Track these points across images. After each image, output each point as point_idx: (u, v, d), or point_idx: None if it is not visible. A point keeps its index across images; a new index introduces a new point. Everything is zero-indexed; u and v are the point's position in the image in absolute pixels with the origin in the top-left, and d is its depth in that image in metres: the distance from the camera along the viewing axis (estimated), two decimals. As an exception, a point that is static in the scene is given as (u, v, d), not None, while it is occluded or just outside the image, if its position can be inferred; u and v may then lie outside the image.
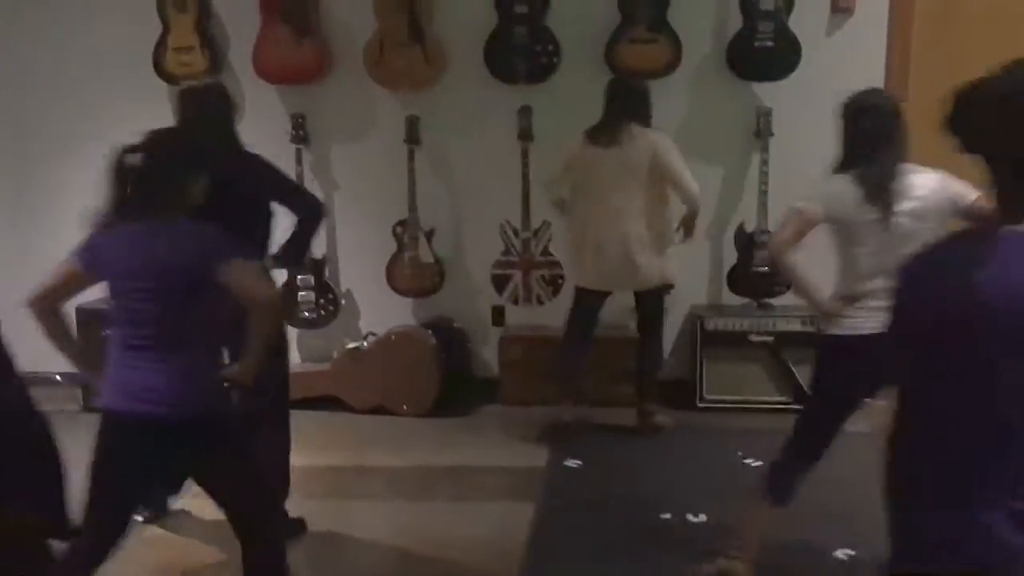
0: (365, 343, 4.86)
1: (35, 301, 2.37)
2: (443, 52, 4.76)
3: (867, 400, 2.82)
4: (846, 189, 2.83)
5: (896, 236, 2.76)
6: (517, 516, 3.59)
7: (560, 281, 4.89)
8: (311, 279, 4.95)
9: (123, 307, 2.34)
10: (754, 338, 4.74)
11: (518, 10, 4.66)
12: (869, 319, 2.72)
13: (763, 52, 4.61)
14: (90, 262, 2.37)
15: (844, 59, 4.61)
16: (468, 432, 4.56)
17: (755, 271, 4.79)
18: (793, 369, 4.72)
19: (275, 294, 2.82)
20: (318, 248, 5.00)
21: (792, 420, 3.02)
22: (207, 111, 3.28)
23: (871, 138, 2.84)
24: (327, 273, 5.02)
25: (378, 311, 5.08)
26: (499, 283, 4.94)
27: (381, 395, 4.79)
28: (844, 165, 2.90)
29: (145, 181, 2.36)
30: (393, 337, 4.80)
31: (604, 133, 4.18)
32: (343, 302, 5.07)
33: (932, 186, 2.81)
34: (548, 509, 3.67)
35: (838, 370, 2.89)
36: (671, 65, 4.65)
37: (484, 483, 3.98)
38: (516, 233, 4.87)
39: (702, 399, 4.80)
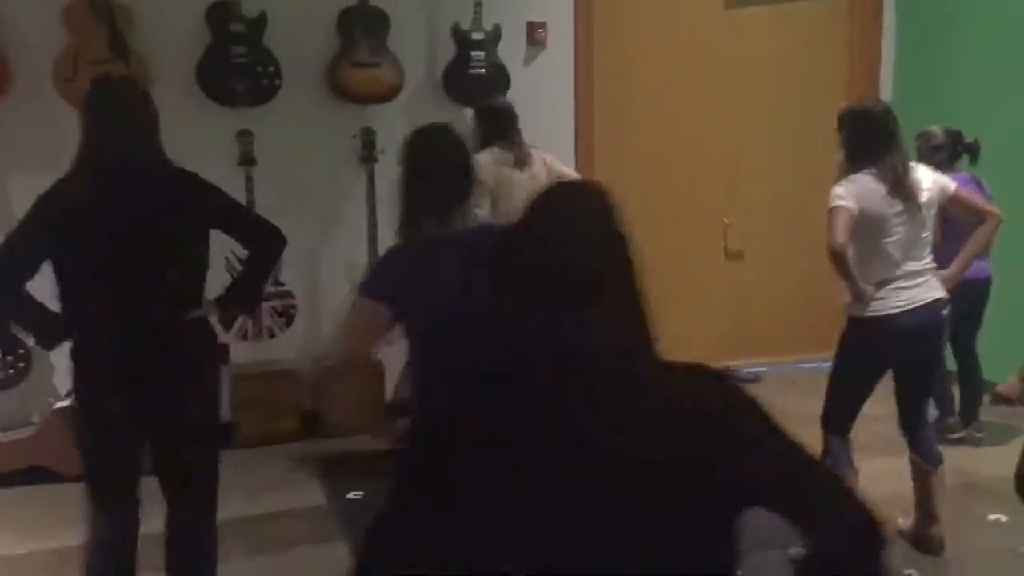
0: (69, 400, 4.22)
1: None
2: (148, 71, 4.32)
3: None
4: (873, 185, 3.14)
5: (918, 225, 3.18)
6: (328, 558, 3.43)
7: (292, 311, 4.70)
8: (-7, 335, 4.20)
9: None
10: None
11: (234, 28, 4.40)
12: (890, 300, 3.13)
13: (476, 79, 4.86)
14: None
15: (540, 85, 5.04)
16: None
17: (480, 286, 5.02)
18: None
19: None
20: None
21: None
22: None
23: (878, 140, 3.19)
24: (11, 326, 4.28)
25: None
26: (224, 319, 4.59)
27: (101, 457, 4.20)
28: (856, 166, 3.21)
29: None
30: (116, 389, 4.23)
31: (517, 155, 4.22)
32: (33, 357, 4.36)
33: (932, 177, 3.25)
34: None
35: (869, 347, 3.23)
36: (394, 89, 4.71)
37: (276, 532, 3.70)
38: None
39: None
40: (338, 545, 3.54)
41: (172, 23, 4.43)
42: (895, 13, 5.74)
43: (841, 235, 3.09)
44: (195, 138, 4.51)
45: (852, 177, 3.18)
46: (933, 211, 3.25)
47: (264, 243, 2.78)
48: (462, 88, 4.87)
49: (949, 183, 3.31)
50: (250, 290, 2.92)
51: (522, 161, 4.23)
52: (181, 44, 4.43)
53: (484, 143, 4.21)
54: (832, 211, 3.13)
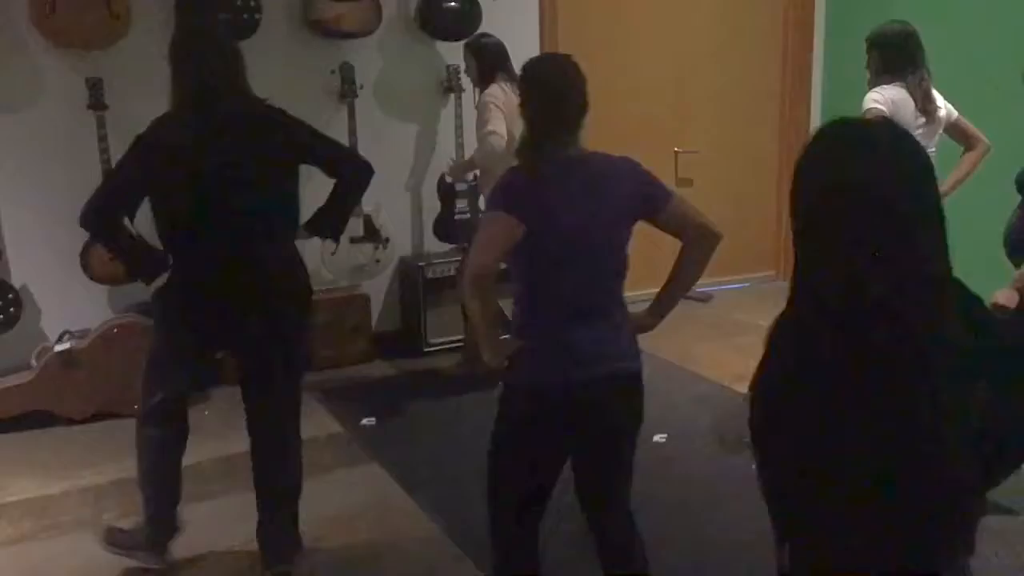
0: (73, 342, 4.19)
1: (481, 274, 2.09)
2: (128, 4, 4.22)
3: None
4: (904, 96, 3.43)
5: (930, 139, 3.49)
6: (369, 476, 3.60)
7: (279, 247, 4.73)
8: (-16, 279, 4.11)
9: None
10: (467, 280, 5.12)
11: (214, -38, 4.33)
12: None
13: (451, 13, 4.92)
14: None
15: (507, 21, 5.13)
16: (228, 418, 4.24)
17: (457, 218, 5.15)
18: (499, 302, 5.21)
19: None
20: (-10, 240, 4.19)
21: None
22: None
23: (907, 57, 3.48)
24: (4, 270, 4.20)
25: (66, 307, 4.40)
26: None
27: (103, 399, 4.19)
28: (880, 81, 3.49)
29: None
30: (116, 330, 4.22)
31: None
32: (23, 301, 4.28)
33: (942, 101, 3.56)
34: (395, 467, 3.69)
35: None
36: (373, 24, 4.73)
37: (307, 459, 3.81)
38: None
39: (427, 344, 5.07)
40: (372, 466, 3.72)
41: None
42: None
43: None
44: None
45: (884, 87, 3.47)
46: (940, 129, 3.58)
47: (353, 172, 2.88)
48: (437, 22, 4.92)
49: (953, 109, 3.63)
50: (339, 216, 2.99)
51: None
52: (158, -22, 4.34)
53: (485, 78, 4.28)
54: (868, 112, 3.37)
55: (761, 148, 6.27)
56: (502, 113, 4.05)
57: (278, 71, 4.63)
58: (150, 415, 2.83)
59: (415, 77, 5.05)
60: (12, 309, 4.19)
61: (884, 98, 3.42)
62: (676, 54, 5.80)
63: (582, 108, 2.17)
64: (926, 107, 3.47)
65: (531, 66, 2.27)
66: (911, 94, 3.45)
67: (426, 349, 5.05)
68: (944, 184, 3.65)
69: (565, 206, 2.09)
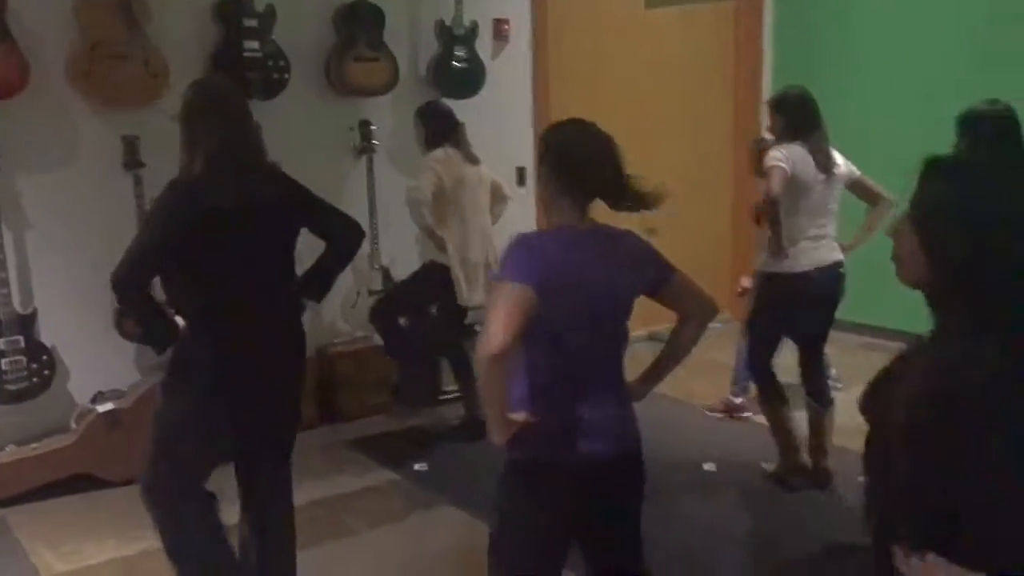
0: (116, 403, 4.11)
1: (502, 352, 1.91)
2: (166, 63, 4.25)
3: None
4: (804, 154, 3.61)
5: (830, 195, 3.71)
6: (446, 520, 3.69)
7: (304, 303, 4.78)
8: (19, 340, 4.00)
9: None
10: (479, 327, 5.25)
11: (247, 23, 4.41)
12: (801, 259, 3.64)
13: (460, 72, 5.15)
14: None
15: (505, 77, 5.42)
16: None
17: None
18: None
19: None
20: (26, 300, 4.09)
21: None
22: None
23: (809, 119, 3.69)
24: (36, 331, 4.09)
25: (95, 368, 4.30)
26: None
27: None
28: (784, 140, 3.68)
29: None
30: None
31: (469, 151, 4.40)
32: (56, 363, 4.18)
33: (841, 160, 3.76)
34: (471, 506, 3.78)
35: (783, 299, 3.72)
36: (391, 82, 4.90)
37: (378, 504, 3.87)
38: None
39: (441, 392, 5.17)
40: (447, 508, 3.80)
41: (182, 16, 4.37)
42: (774, 18, 6.60)
43: (777, 187, 3.52)
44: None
45: (788, 145, 3.64)
46: (841, 186, 3.77)
47: (345, 238, 2.87)
48: (447, 81, 5.13)
49: (855, 168, 3.82)
50: (324, 281, 2.93)
51: (472, 158, 4.42)
52: (192, 37, 4.39)
53: (430, 142, 4.38)
54: (771, 169, 3.55)
55: (713, 203, 6.71)
56: (434, 176, 4.24)
57: (302, 128, 4.75)
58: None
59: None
60: (47, 372, 4.09)
61: (784, 155, 3.59)
62: (645, 107, 6.13)
63: (608, 180, 2.12)
64: (826, 165, 3.66)
65: (565, 129, 2.21)
66: (811, 153, 3.63)
67: (439, 397, 5.16)
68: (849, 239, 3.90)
69: (579, 277, 2.04)
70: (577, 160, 2.11)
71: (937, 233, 1.40)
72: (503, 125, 5.48)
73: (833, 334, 4.96)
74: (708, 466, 4.13)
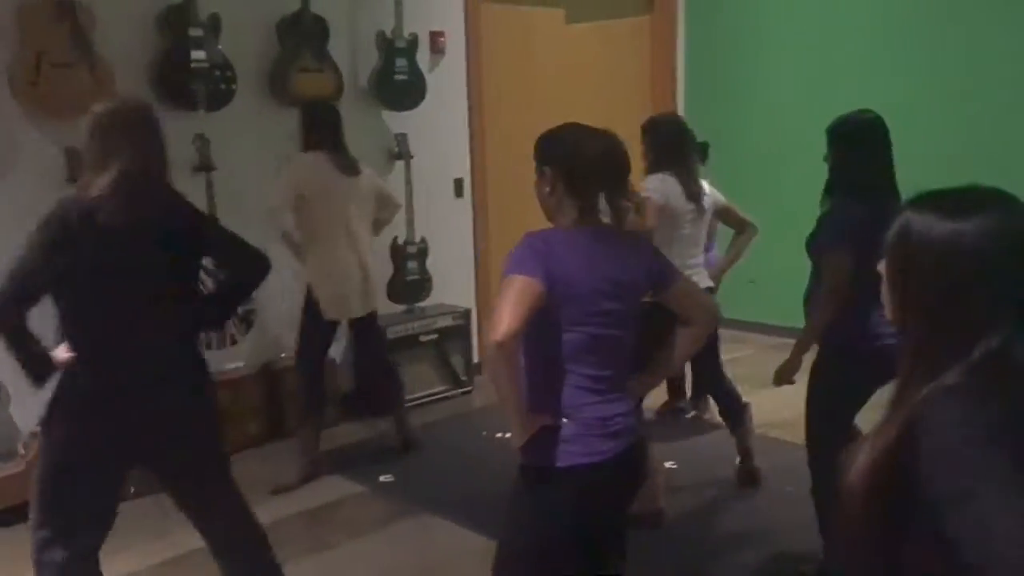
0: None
1: (510, 338, 1.91)
2: (112, 73, 4.11)
3: None
4: (675, 185, 3.65)
5: (699, 224, 3.82)
6: (425, 528, 3.71)
7: (253, 317, 4.70)
8: (-38, 364, 3.78)
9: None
10: (423, 338, 5.30)
11: (192, 32, 4.32)
12: None
13: (401, 84, 5.17)
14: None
15: (442, 89, 5.47)
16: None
17: (409, 279, 5.33)
18: (451, 360, 5.44)
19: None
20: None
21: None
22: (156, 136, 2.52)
23: (680, 147, 3.75)
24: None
25: (41, 393, 4.10)
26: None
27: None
28: (658, 169, 3.72)
29: None
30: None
31: (346, 160, 4.15)
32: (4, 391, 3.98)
33: (709, 189, 3.90)
34: (448, 511, 3.82)
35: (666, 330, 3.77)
36: (337, 94, 4.88)
37: (354, 515, 3.85)
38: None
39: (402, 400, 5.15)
40: (425, 516, 3.83)
41: (127, 24, 4.24)
42: (686, 32, 6.89)
43: (652, 220, 3.55)
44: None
45: (659, 175, 3.66)
46: (709, 215, 3.84)
47: (249, 271, 2.72)
48: (389, 93, 5.15)
49: (720, 195, 3.91)
50: (223, 312, 2.85)
51: (349, 167, 4.13)
52: (137, 46, 4.27)
53: (306, 145, 4.18)
54: (643, 200, 3.52)
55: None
56: (291, 182, 4.03)
57: (249, 139, 4.68)
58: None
59: (367, 144, 5.21)
60: (-7, 395, 3.89)
61: (654, 186, 3.63)
62: (567, 114, 6.29)
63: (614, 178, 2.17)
64: (695, 194, 3.70)
65: (569, 135, 2.22)
66: (681, 182, 3.66)
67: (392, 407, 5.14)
68: (717, 266, 4.09)
69: (586, 275, 2.05)
70: (590, 158, 2.13)
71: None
72: (441, 137, 5.53)
73: (750, 336, 5.22)
74: (669, 464, 4.28)
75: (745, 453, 4.04)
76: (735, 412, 4.03)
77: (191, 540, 2.82)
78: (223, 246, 2.68)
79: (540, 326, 1.98)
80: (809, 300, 3.01)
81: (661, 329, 2.30)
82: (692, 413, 4.97)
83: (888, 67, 5.72)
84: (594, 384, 2.09)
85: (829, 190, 2.97)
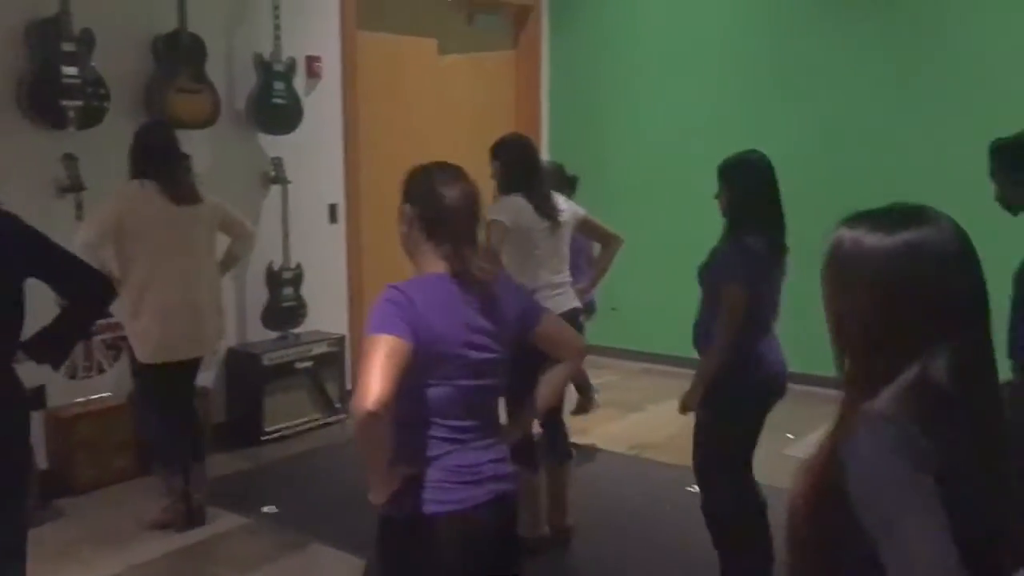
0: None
1: (380, 407, 1.82)
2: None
3: None
4: (524, 204, 3.54)
5: (559, 241, 3.66)
6: (317, 562, 3.67)
7: (121, 344, 4.50)
8: None
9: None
10: (299, 365, 5.21)
11: (65, 47, 4.13)
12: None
13: (279, 108, 5.11)
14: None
15: (318, 114, 5.43)
16: (86, 536, 3.90)
17: (284, 305, 5.25)
18: (326, 387, 5.37)
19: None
20: None
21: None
22: None
23: (528, 168, 3.63)
24: None
25: None
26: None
27: None
28: (508, 189, 3.59)
29: None
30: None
31: (181, 188, 3.81)
32: None
33: (564, 205, 3.72)
34: (343, 541, 3.78)
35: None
36: (214, 115, 4.77)
37: (247, 549, 3.74)
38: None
39: (264, 433, 5.04)
40: (318, 546, 3.79)
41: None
42: (550, 69, 7.14)
43: (496, 242, 3.44)
44: (14, 163, 4.16)
45: (506, 197, 3.57)
46: (569, 231, 3.72)
47: (88, 297, 2.59)
48: (266, 117, 5.07)
49: (580, 209, 3.81)
50: (63, 343, 2.64)
51: (184, 198, 3.80)
52: (2, 60, 4.04)
53: (137, 173, 3.78)
54: (489, 224, 3.40)
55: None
56: (112, 211, 3.68)
57: (121, 158, 4.48)
58: None
59: (243, 167, 5.12)
60: None
61: (502, 208, 3.53)
62: (438, 142, 6.27)
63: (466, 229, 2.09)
64: (548, 211, 3.60)
65: (421, 174, 2.15)
66: (531, 201, 3.56)
67: (263, 438, 5.03)
68: (586, 283, 4.03)
69: (449, 326, 1.99)
70: (445, 204, 2.05)
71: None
72: (317, 162, 5.49)
73: (613, 362, 5.39)
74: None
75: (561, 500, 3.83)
76: (562, 454, 3.83)
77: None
78: (61, 270, 2.50)
79: (404, 381, 1.89)
80: (699, 331, 3.15)
81: (531, 367, 2.27)
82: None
83: (752, 106, 6.11)
84: (460, 434, 2.03)
85: (729, 225, 3.12)
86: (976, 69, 5.29)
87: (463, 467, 2.01)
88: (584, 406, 4.90)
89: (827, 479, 1.30)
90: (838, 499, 1.27)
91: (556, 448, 3.78)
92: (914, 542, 1.20)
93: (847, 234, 1.35)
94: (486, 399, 2.08)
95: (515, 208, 3.53)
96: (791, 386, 3.12)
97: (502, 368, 2.09)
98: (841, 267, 1.35)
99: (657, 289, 6.17)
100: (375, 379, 1.83)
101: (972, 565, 1.21)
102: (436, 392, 1.99)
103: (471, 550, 2.03)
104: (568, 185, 4.75)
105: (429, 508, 1.97)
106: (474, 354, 2.01)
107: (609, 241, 3.91)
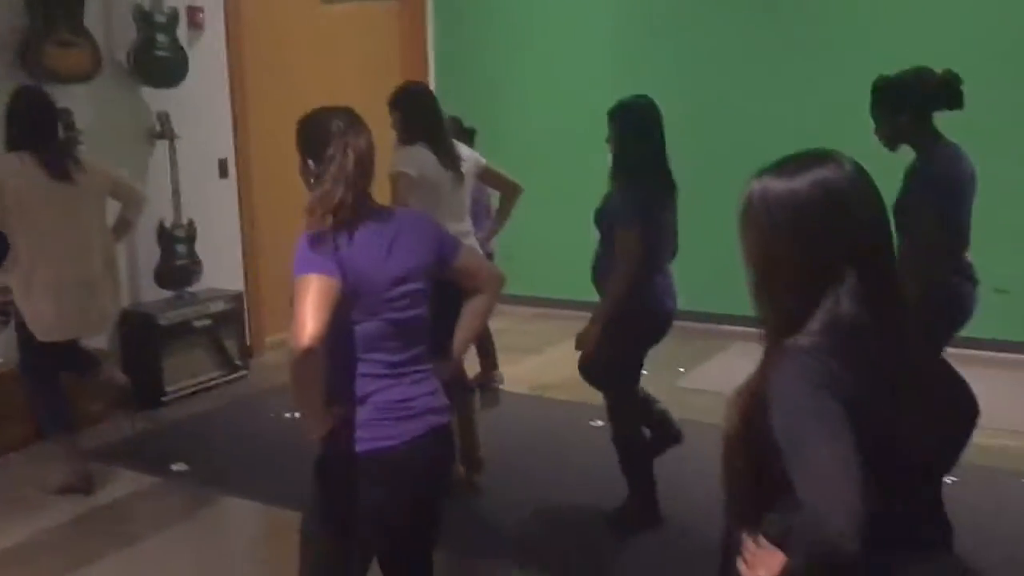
0: None
1: (316, 342, 1.88)
2: None
3: None
4: (428, 155, 3.46)
5: (462, 191, 3.57)
6: (243, 508, 3.69)
7: (11, 308, 4.33)
8: None
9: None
10: (197, 323, 5.14)
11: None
12: None
13: (163, 61, 4.97)
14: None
15: (202, 67, 5.30)
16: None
17: (177, 264, 5.15)
18: (225, 344, 5.32)
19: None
20: None
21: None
22: None
23: (430, 118, 3.57)
24: None
25: None
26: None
27: None
28: (411, 139, 3.50)
29: None
30: None
31: (60, 159, 3.66)
32: None
33: (466, 154, 3.69)
34: (258, 494, 3.81)
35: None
36: (95, 69, 4.60)
37: (160, 509, 3.72)
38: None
39: (164, 394, 4.97)
40: (232, 500, 3.80)
41: None
42: (435, 22, 7.12)
43: (405, 194, 3.38)
44: None
45: (410, 148, 3.50)
46: (471, 180, 3.69)
47: None
48: (150, 70, 4.93)
49: (481, 158, 3.79)
50: None
51: (65, 168, 3.63)
52: None
53: (14, 145, 3.62)
54: (396, 176, 3.39)
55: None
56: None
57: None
58: None
59: (127, 123, 4.97)
60: None
61: (407, 159, 3.48)
62: (324, 93, 6.27)
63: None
64: (452, 162, 3.56)
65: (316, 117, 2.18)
66: (434, 151, 3.51)
67: (164, 399, 4.96)
68: (487, 231, 4.15)
69: (380, 262, 2.05)
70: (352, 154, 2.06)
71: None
72: (204, 116, 5.37)
73: (507, 308, 5.53)
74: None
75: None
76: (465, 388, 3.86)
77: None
78: None
79: (335, 319, 1.94)
80: (599, 271, 3.28)
81: (450, 305, 2.30)
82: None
83: (632, 59, 6.26)
84: (390, 369, 2.07)
85: (614, 170, 3.27)
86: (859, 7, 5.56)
87: (398, 402, 2.07)
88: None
89: (754, 411, 1.40)
90: (765, 429, 1.36)
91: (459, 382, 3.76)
92: (817, 464, 1.28)
93: (756, 185, 1.44)
94: (414, 332, 2.11)
95: (420, 159, 3.47)
96: (680, 323, 3.30)
97: (424, 299, 2.14)
98: (756, 215, 1.43)
99: (549, 236, 6.32)
100: (308, 316, 1.89)
101: (885, 487, 1.31)
102: (365, 328, 2.04)
103: (408, 483, 2.08)
104: (466, 137, 4.74)
105: (364, 445, 2.03)
106: (398, 288, 2.06)
107: (509, 189, 3.91)
